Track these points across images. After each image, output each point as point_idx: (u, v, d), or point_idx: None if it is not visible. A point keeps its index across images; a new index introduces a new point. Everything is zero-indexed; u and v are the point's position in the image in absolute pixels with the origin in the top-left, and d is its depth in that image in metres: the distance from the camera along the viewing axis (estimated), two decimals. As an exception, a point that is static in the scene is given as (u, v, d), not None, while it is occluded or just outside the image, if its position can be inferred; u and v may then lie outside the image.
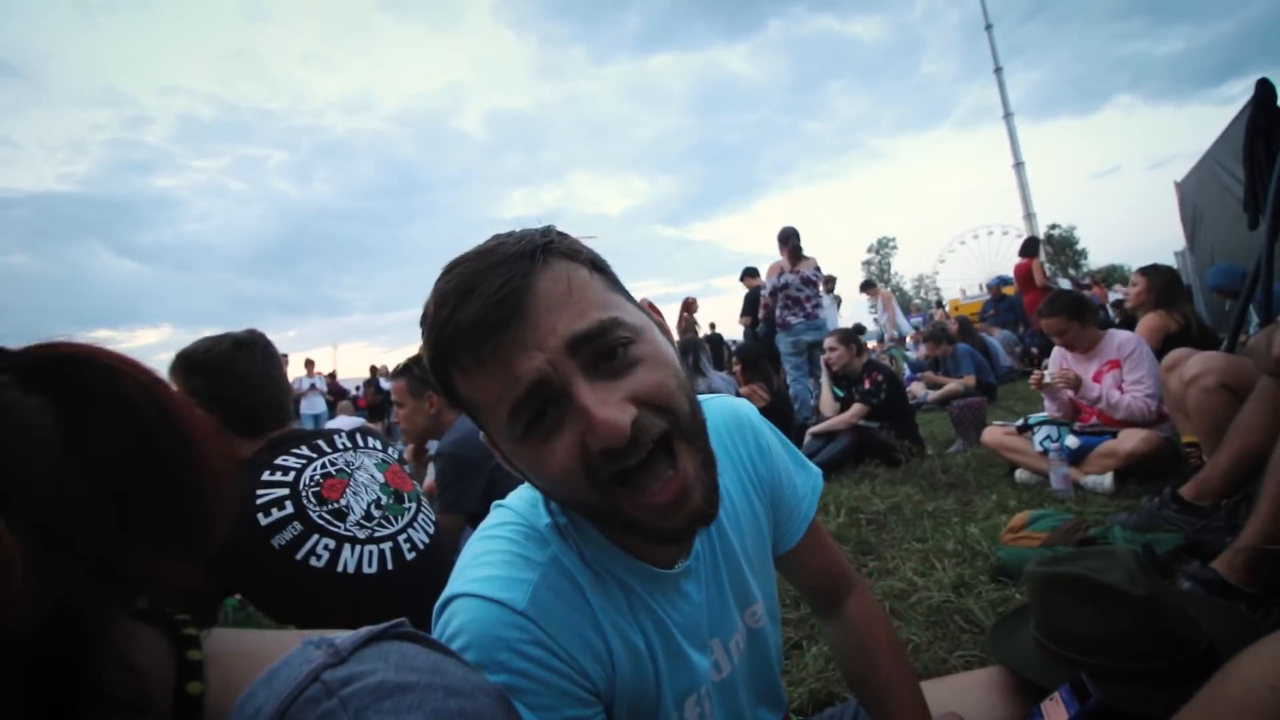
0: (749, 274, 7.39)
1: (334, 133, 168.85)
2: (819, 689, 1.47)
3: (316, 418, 10.46)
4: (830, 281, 9.87)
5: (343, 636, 0.46)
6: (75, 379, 0.42)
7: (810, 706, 1.41)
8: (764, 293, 5.75)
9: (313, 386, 10.90)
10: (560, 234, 0.61)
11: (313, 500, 1.34)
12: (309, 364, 11.39)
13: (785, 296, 5.62)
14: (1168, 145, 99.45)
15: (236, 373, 1.44)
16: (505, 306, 0.54)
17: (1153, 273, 3.69)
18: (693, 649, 0.71)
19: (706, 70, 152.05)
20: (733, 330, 9.17)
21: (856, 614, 0.91)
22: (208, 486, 0.45)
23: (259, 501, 1.30)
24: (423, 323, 0.60)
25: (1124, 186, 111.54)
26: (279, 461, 1.37)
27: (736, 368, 5.12)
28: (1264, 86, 3.85)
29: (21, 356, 0.42)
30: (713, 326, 13.03)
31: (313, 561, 1.30)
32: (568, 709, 0.59)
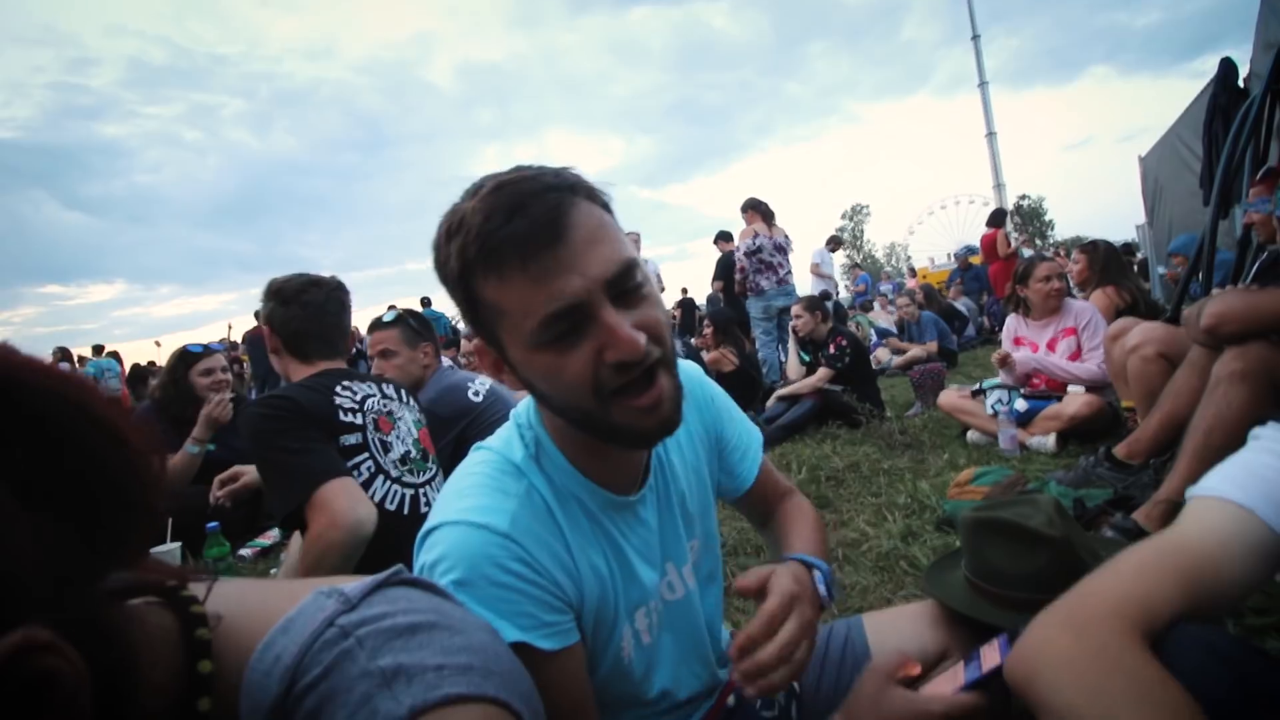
0: (722, 238, 7.40)
1: (295, 81, 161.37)
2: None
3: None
4: (835, 241, 9.90)
5: (350, 585, 0.50)
6: (6, 411, 0.37)
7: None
8: (739, 254, 5.78)
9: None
10: (582, 178, 0.69)
11: (372, 425, 1.55)
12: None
13: (758, 260, 5.64)
14: (1139, 118, 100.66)
15: (300, 301, 1.63)
16: (554, 229, 0.62)
17: (1092, 250, 3.79)
18: (644, 566, 0.80)
19: (687, 25, 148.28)
20: (705, 295, 9.16)
21: (786, 507, 1.04)
22: (149, 487, 0.44)
23: (337, 402, 1.51)
24: (455, 230, 0.65)
25: (1094, 159, 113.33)
26: (346, 383, 1.57)
27: (708, 331, 5.20)
28: (1226, 65, 3.95)
29: None
30: (685, 291, 13.04)
31: (354, 476, 1.45)
32: (546, 615, 0.67)
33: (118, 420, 0.42)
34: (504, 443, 0.78)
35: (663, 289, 7.56)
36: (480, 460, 0.77)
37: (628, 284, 0.66)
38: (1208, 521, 0.70)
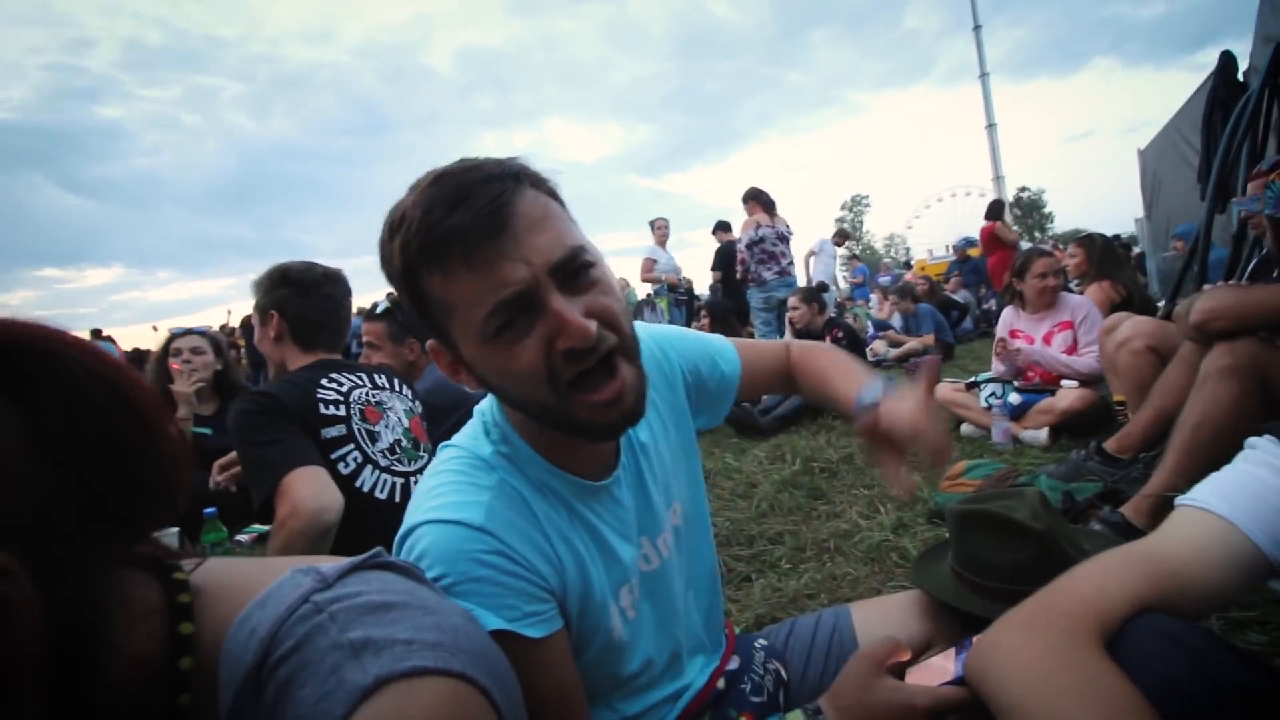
0: (721, 228, 7.37)
1: (293, 64, 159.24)
2: (764, 614, 1.63)
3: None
4: (842, 235, 9.87)
5: (328, 566, 0.51)
6: (27, 371, 0.40)
7: (755, 627, 1.56)
8: (740, 245, 5.76)
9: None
10: (528, 166, 0.69)
11: (357, 416, 1.57)
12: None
13: (761, 251, 5.61)
14: (1142, 111, 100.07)
15: (321, 294, 1.65)
16: (497, 219, 0.62)
17: (1089, 244, 3.80)
18: (623, 544, 0.81)
19: (688, 11, 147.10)
20: (704, 284, 9.14)
21: (795, 360, 1.09)
22: (168, 461, 0.46)
23: (319, 396, 1.52)
24: (398, 226, 0.64)
25: (1096, 152, 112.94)
26: (334, 375, 1.59)
27: (704, 321, 5.21)
28: (1226, 58, 3.94)
29: None
30: (684, 280, 12.97)
31: (341, 468, 1.48)
32: (527, 605, 0.67)
33: (141, 397, 0.45)
34: (470, 439, 0.78)
35: (680, 285, 7.53)
36: (449, 458, 0.77)
37: (576, 271, 0.65)
38: (1187, 532, 0.70)
